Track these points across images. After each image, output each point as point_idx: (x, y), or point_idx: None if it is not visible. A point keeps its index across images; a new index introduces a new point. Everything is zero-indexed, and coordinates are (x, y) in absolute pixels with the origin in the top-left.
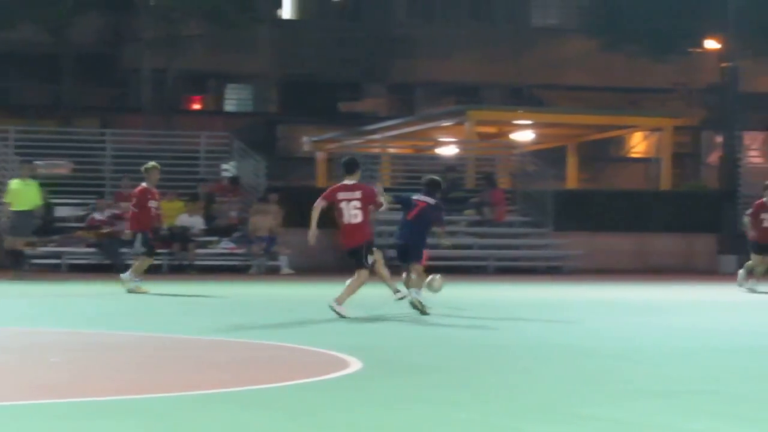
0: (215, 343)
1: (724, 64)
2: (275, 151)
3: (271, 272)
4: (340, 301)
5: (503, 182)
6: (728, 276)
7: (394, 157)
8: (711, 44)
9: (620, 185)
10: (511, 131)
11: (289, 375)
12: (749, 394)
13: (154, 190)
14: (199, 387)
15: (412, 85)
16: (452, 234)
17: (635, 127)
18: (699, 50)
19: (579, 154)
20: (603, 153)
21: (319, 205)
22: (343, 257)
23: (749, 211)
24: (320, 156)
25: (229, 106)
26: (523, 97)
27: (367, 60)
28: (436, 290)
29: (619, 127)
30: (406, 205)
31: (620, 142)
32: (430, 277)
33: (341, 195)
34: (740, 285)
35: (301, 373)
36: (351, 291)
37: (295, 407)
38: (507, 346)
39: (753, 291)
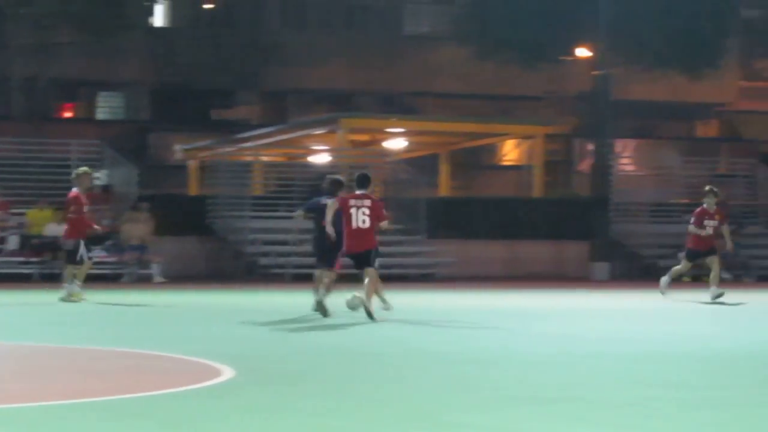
0: (87, 352)
1: (595, 72)
2: (147, 159)
3: (144, 281)
4: (368, 305)
5: (376, 190)
6: (600, 283)
7: (267, 165)
8: (582, 52)
9: (493, 193)
10: (384, 139)
11: (161, 384)
12: (613, 400)
13: (84, 196)
14: (72, 396)
15: (285, 92)
16: None
17: (507, 135)
18: (571, 58)
19: (452, 162)
20: (476, 161)
21: (333, 206)
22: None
23: (693, 220)
24: (192, 164)
25: (101, 113)
26: (396, 105)
27: (239, 67)
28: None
29: (492, 135)
30: (317, 211)
31: (493, 150)
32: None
33: (352, 202)
34: (663, 293)
35: (172, 381)
36: (372, 292)
37: (167, 416)
38: (381, 353)
39: (663, 294)
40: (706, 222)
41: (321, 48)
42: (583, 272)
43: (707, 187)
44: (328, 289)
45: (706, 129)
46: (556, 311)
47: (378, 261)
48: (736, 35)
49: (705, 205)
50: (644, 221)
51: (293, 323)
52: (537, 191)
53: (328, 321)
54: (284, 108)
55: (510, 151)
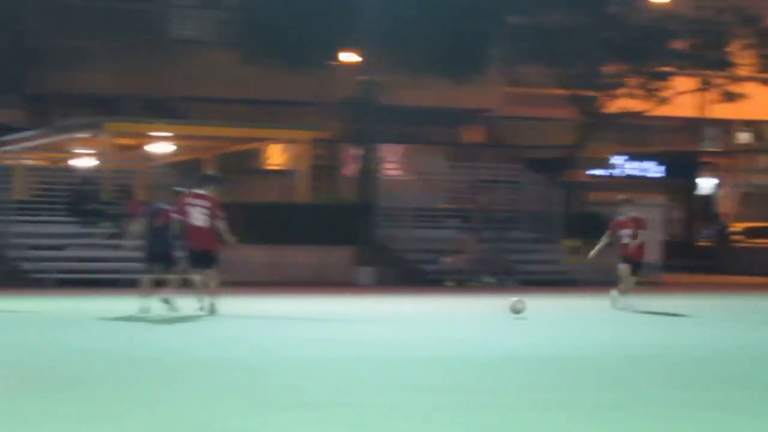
0: None
1: (362, 78)
2: None
3: None
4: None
5: (140, 194)
6: (365, 288)
7: (30, 169)
8: (349, 58)
9: (259, 197)
10: (149, 143)
11: None
12: (376, 404)
13: None
14: None
15: (49, 96)
16: (88, 247)
17: (273, 140)
18: (338, 64)
19: (219, 167)
20: (242, 165)
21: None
22: None
23: (608, 232)
24: None
25: None
26: (162, 110)
27: (0, 71)
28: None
29: (258, 140)
30: (155, 214)
31: (259, 155)
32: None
33: (190, 202)
34: (613, 304)
35: None
36: (206, 291)
37: None
38: (153, 359)
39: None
40: (623, 233)
41: (86, 51)
42: (349, 277)
43: (621, 197)
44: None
45: (472, 135)
46: (321, 316)
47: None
48: (502, 42)
49: (622, 217)
50: (410, 226)
51: (63, 329)
52: (303, 196)
53: (101, 326)
54: (48, 112)
55: (276, 156)
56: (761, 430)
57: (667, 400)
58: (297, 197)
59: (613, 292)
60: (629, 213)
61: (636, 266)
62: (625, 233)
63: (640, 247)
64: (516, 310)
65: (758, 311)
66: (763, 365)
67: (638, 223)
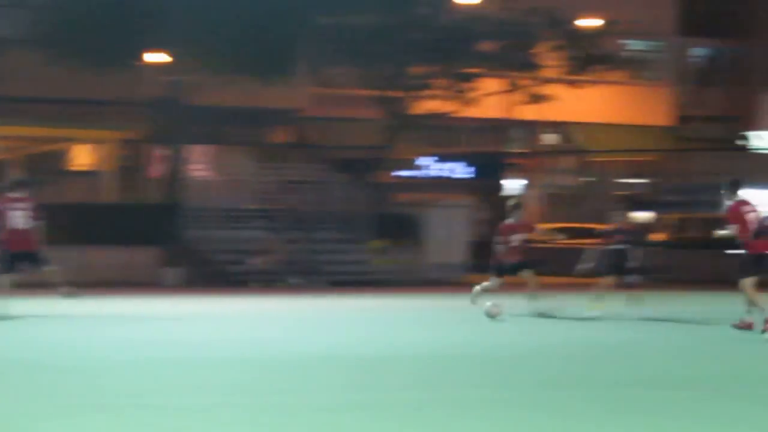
0: None
1: (168, 78)
2: None
3: None
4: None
5: None
6: (171, 288)
7: None
8: (157, 58)
9: (66, 198)
10: None
11: None
12: (182, 406)
13: None
14: None
15: None
16: None
17: (79, 140)
18: (145, 64)
19: (27, 168)
20: (49, 166)
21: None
22: None
23: (501, 238)
24: None
25: None
26: None
27: None
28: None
29: (64, 140)
30: None
31: (66, 155)
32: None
33: (10, 205)
34: (473, 302)
35: None
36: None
37: None
38: None
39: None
40: (512, 238)
41: None
42: (155, 278)
43: (513, 202)
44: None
45: (280, 135)
46: (127, 317)
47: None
48: (310, 42)
49: (512, 220)
50: (217, 227)
51: None
52: (109, 197)
53: None
54: None
55: (84, 157)
56: (568, 428)
57: (473, 400)
58: (104, 198)
59: (477, 289)
60: (519, 217)
61: (513, 267)
62: (515, 238)
63: (515, 249)
64: (491, 314)
65: (570, 309)
66: (571, 364)
67: (527, 228)
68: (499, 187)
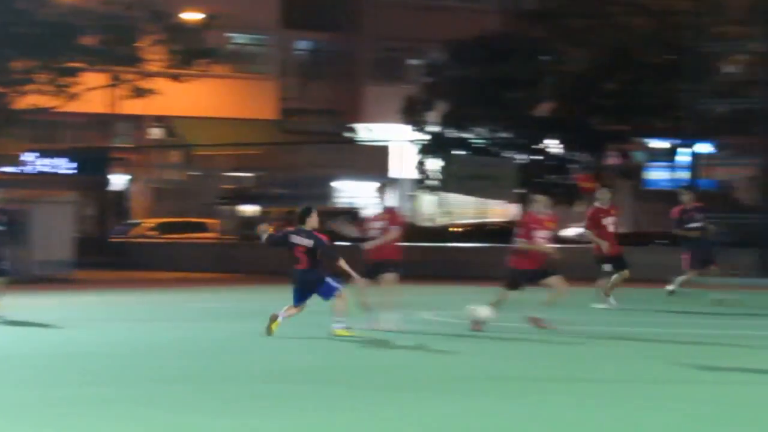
0: None
1: None
2: None
3: None
4: None
5: None
6: None
7: None
8: None
9: None
10: None
11: None
12: None
13: None
14: None
15: None
16: None
17: None
18: None
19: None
20: None
21: None
22: None
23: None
24: None
25: None
26: None
27: None
28: None
29: None
30: None
31: None
32: None
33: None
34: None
35: None
36: None
37: None
38: None
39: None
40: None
41: None
42: None
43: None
44: None
45: None
46: None
47: None
48: None
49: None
50: None
51: None
52: None
53: None
54: None
55: None
56: (182, 423)
57: (87, 397)
58: None
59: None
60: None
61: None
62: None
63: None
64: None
65: (178, 306)
66: (179, 360)
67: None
68: (105, 183)
